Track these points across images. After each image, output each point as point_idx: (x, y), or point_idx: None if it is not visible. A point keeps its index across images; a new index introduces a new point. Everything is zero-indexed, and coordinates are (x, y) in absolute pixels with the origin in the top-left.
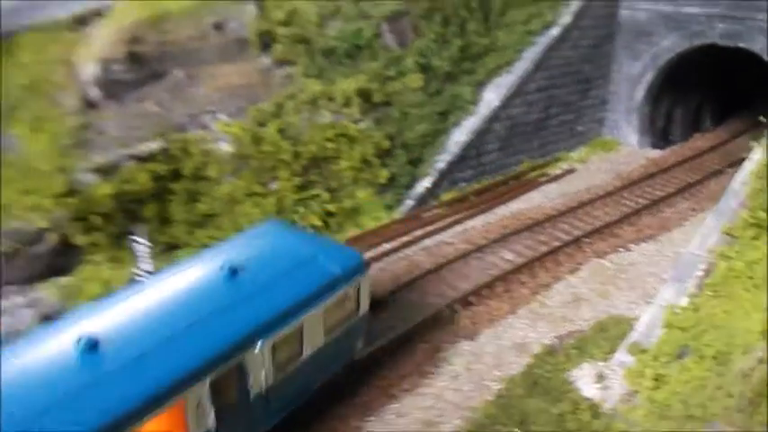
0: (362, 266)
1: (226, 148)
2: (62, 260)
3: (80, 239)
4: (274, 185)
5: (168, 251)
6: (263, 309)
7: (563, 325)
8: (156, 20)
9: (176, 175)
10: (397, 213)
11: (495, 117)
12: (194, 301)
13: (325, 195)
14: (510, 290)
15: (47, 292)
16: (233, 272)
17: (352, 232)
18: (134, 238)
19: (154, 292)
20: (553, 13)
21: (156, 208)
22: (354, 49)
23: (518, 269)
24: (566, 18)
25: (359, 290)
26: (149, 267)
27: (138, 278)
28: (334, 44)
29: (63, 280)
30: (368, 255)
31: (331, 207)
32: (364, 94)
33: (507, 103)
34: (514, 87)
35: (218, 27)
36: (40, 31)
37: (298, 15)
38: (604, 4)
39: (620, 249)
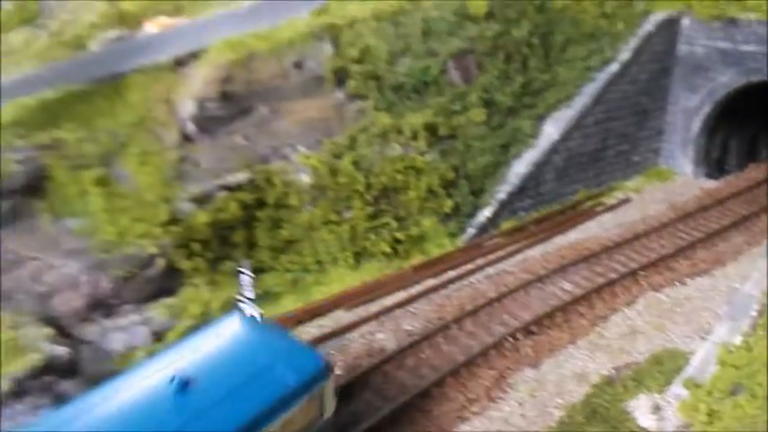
0: (325, 371)
1: (305, 178)
2: (169, 283)
3: (183, 264)
4: (348, 214)
5: (255, 274)
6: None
7: (620, 356)
8: (244, 60)
9: (261, 204)
10: (460, 241)
11: (553, 149)
12: (138, 420)
13: (394, 224)
14: (569, 320)
15: (157, 311)
16: (183, 385)
17: (417, 259)
18: (241, 269)
19: (106, 406)
20: (613, 49)
21: (244, 234)
22: (422, 85)
23: (576, 300)
24: (625, 54)
25: (322, 395)
26: (251, 295)
27: (240, 304)
28: (403, 80)
29: (169, 301)
30: (433, 282)
31: (399, 235)
32: (430, 128)
33: (566, 136)
34: (573, 121)
35: (298, 65)
36: (145, 73)
37: (370, 53)
38: (663, 41)
39: (676, 283)
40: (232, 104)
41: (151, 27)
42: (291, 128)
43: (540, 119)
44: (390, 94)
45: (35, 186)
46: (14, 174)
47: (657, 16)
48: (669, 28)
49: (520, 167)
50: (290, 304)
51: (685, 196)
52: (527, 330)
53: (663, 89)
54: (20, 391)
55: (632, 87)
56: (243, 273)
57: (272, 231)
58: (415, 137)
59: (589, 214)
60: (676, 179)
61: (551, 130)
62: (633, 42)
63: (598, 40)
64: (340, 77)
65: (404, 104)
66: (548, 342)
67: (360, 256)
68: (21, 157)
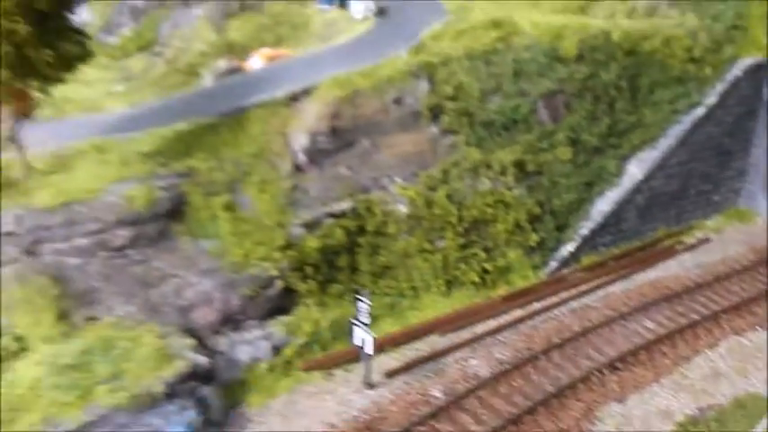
0: None
1: (402, 209)
2: (285, 302)
3: (297, 285)
4: (441, 244)
5: (348, 295)
6: None
7: (704, 398)
8: (350, 97)
9: (362, 231)
10: (543, 274)
11: (636, 189)
12: None
13: (482, 254)
14: (653, 358)
15: (276, 328)
16: None
17: (503, 289)
18: (359, 296)
19: None
20: (699, 93)
21: (347, 259)
22: (511, 123)
23: (659, 339)
24: (712, 98)
25: None
26: (366, 320)
27: (355, 326)
28: (494, 117)
29: (286, 319)
30: (520, 313)
31: (487, 265)
32: (519, 164)
33: (649, 176)
34: (657, 162)
35: (398, 101)
36: (264, 108)
37: (463, 91)
38: (750, 85)
39: (758, 327)
40: (339, 138)
41: (257, 58)
42: (390, 160)
43: (625, 159)
44: (481, 130)
45: (176, 211)
46: (160, 200)
47: (745, 61)
48: (756, 72)
49: (603, 205)
50: (387, 327)
51: (765, 239)
52: (612, 366)
53: (747, 131)
54: (170, 393)
55: (717, 129)
56: (360, 300)
57: (371, 257)
58: (503, 172)
59: (669, 252)
60: (757, 221)
61: (635, 170)
62: (720, 87)
63: (685, 84)
64: (435, 113)
65: (493, 140)
66: (632, 378)
67: (451, 284)
68: (164, 185)
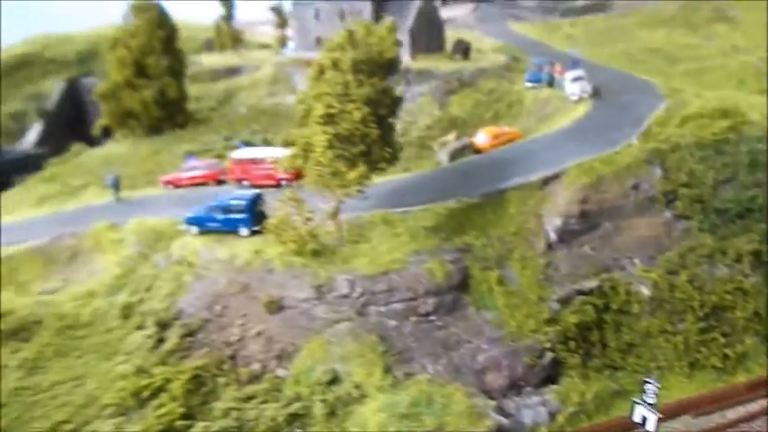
0: None
1: (645, 290)
2: (554, 372)
3: (562, 358)
4: (682, 326)
5: (604, 370)
6: None
7: None
8: (594, 183)
9: (607, 309)
10: None
11: None
12: None
13: (721, 339)
14: None
15: (549, 396)
16: None
17: (741, 376)
18: (647, 379)
19: None
20: None
21: (598, 335)
22: (746, 212)
23: None
24: None
25: None
26: (652, 401)
27: (637, 405)
28: (729, 206)
29: (556, 388)
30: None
31: (727, 351)
32: (755, 253)
33: None
34: None
35: (635, 187)
36: (519, 190)
37: (696, 178)
38: None
39: None
40: (586, 220)
41: (483, 134)
42: (629, 242)
43: None
44: (714, 217)
45: (462, 283)
46: (451, 273)
47: None
48: None
49: None
50: None
51: None
52: None
53: None
54: None
55: None
56: (649, 383)
57: (616, 334)
58: (739, 260)
59: None
60: None
61: None
62: None
63: None
64: (669, 199)
65: (728, 228)
66: None
67: (693, 367)
68: (450, 259)
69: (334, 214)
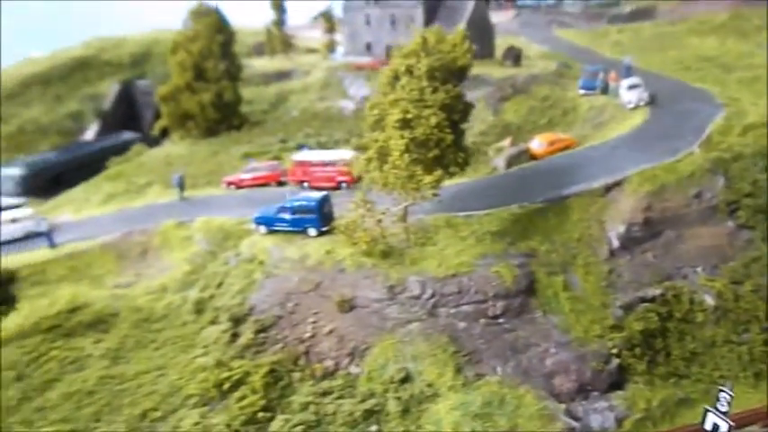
0: None
1: (709, 299)
2: (620, 378)
3: (628, 363)
4: (746, 336)
5: (669, 378)
6: None
7: None
8: (657, 191)
9: (670, 317)
10: None
11: None
12: None
13: None
14: None
15: (616, 401)
16: None
17: None
18: (722, 388)
19: None
20: None
21: (662, 342)
22: None
23: None
24: None
25: None
26: (724, 410)
27: (709, 412)
28: None
29: (622, 393)
30: None
31: None
32: None
33: None
34: None
35: (698, 196)
36: (582, 197)
37: (759, 188)
38: None
39: None
40: (648, 228)
41: (539, 141)
42: (691, 251)
43: None
44: None
45: (529, 287)
46: (518, 277)
47: None
48: None
49: None
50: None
51: None
52: None
53: None
54: None
55: None
56: (723, 391)
57: (680, 342)
58: None
59: None
60: None
61: None
62: None
63: None
64: (731, 208)
65: None
66: None
67: (758, 377)
68: (517, 263)
69: (404, 217)
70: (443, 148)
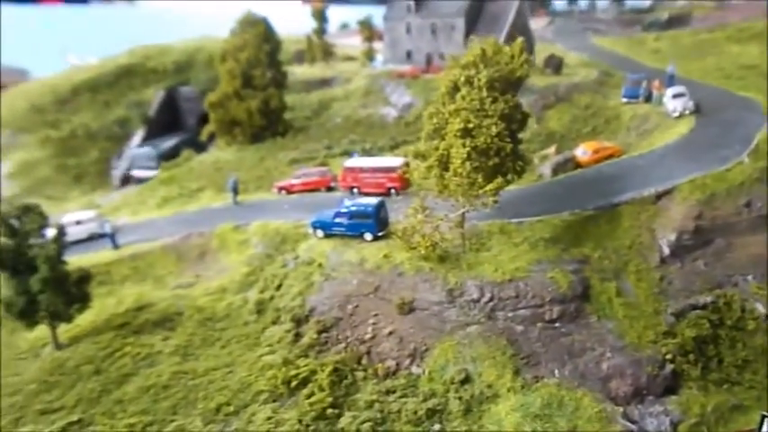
0: None
1: (760, 308)
2: (673, 383)
3: (682, 369)
4: None
5: (723, 384)
6: None
7: None
8: (707, 199)
9: (721, 324)
10: None
11: None
12: None
13: None
14: None
15: (671, 406)
16: None
17: None
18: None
19: None
20: None
21: (714, 349)
22: None
23: None
24: None
25: None
26: None
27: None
28: None
29: (676, 398)
30: None
31: None
32: None
33: None
34: None
35: (747, 205)
36: (633, 205)
37: None
38: None
39: None
40: (699, 236)
41: (584, 149)
42: (741, 259)
43: None
44: None
45: (583, 293)
46: (573, 283)
47: None
48: None
49: None
50: (755, 417)
51: None
52: None
53: None
54: None
55: None
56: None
57: (731, 350)
58: None
59: None
60: None
61: None
62: None
63: None
64: None
65: None
66: None
67: None
68: (571, 269)
69: (461, 223)
70: (503, 157)
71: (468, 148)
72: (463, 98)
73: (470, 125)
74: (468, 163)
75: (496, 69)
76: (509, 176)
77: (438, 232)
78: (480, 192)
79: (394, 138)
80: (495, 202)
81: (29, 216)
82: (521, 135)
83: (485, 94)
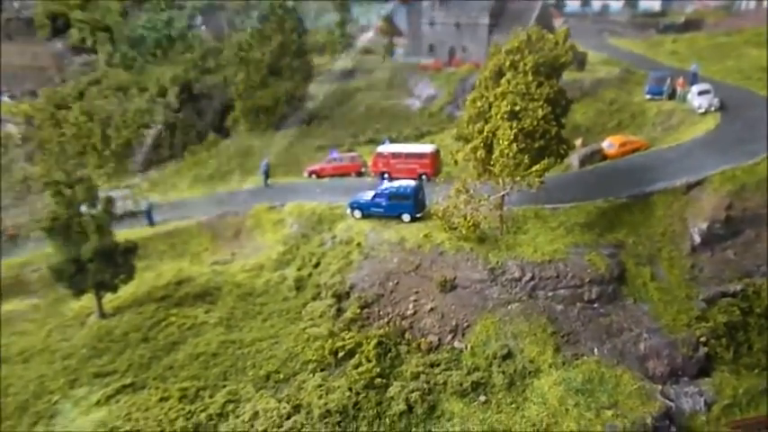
0: None
1: None
2: (707, 366)
3: (718, 353)
4: None
5: (754, 368)
6: None
7: None
8: (738, 191)
9: (750, 311)
10: None
11: None
12: None
13: None
14: None
15: (705, 387)
16: None
17: None
18: None
19: None
20: None
21: (744, 336)
22: None
23: None
24: None
25: None
26: None
27: None
28: None
29: (709, 380)
30: None
31: None
32: None
33: None
34: None
35: None
36: (665, 194)
37: None
38: None
39: None
40: (730, 226)
41: (610, 142)
42: None
43: None
44: None
45: (620, 276)
46: (610, 266)
47: None
48: None
49: None
50: None
51: None
52: None
53: None
54: (655, 428)
55: None
56: None
57: (760, 336)
58: None
59: None
60: None
61: None
62: None
63: None
64: None
65: None
66: None
67: None
68: (607, 253)
69: (501, 205)
70: (548, 139)
71: (515, 130)
72: (508, 82)
73: (517, 108)
74: (514, 144)
75: (541, 55)
76: (552, 159)
77: (479, 213)
78: (526, 173)
79: (418, 128)
80: (542, 182)
81: (80, 186)
82: (564, 120)
83: (530, 78)
